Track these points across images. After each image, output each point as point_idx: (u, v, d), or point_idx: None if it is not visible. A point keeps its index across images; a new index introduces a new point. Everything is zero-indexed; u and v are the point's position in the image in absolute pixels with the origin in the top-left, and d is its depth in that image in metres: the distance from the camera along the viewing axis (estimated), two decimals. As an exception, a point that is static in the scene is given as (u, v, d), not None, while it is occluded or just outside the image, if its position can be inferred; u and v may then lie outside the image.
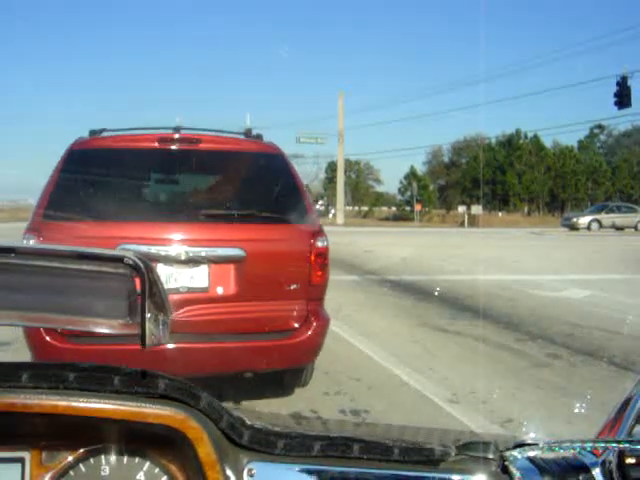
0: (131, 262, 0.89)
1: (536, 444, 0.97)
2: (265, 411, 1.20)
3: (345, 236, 27.37)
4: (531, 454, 0.98)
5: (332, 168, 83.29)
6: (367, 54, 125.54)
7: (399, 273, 13.46)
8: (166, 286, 4.06)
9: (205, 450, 0.91)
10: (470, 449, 0.97)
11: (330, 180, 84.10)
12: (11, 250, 0.90)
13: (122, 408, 0.90)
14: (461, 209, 64.95)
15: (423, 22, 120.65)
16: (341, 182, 51.95)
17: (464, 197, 75.00)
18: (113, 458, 1.00)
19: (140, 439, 0.98)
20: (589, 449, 0.99)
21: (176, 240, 4.39)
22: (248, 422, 0.97)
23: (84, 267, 0.91)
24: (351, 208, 77.11)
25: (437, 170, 79.75)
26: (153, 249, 4.32)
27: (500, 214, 65.18)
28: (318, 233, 4.69)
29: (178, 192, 5.41)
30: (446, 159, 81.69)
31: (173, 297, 4.26)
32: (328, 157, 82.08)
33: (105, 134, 4.95)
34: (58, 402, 0.90)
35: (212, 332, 4.43)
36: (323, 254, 4.66)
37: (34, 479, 0.98)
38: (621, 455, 0.96)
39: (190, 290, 4.38)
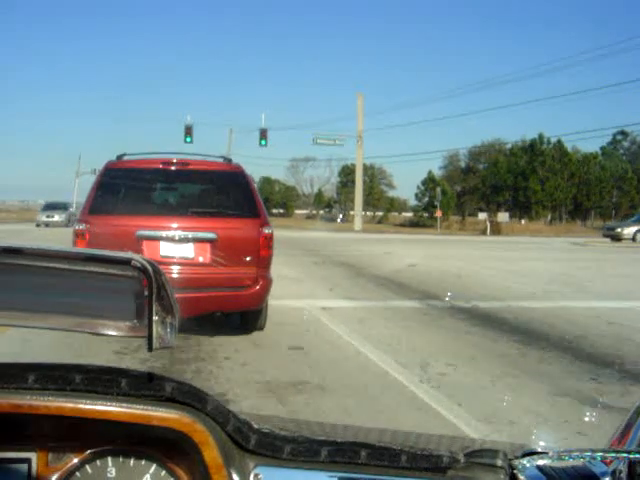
0: (139, 265, 0.89)
1: (546, 453, 0.95)
2: (272, 415, 1.16)
3: (374, 245, 24.66)
4: (540, 463, 0.96)
5: (346, 172, 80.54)
6: (381, 57, 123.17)
7: (466, 297, 10.78)
8: (166, 255, 6.52)
9: (211, 454, 0.90)
10: (478, 457, 0.95)
11: (344, 184, 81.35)
12: (19, 251, 0.90)
13: (128, 411, 0.89)
14: (481, 216, 62.15)
15: (438, 24, 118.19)
16: (360, 186, 49.23)
17: (482, 204, 72.40)
18: (119, 460, 0.98)
19: (147, 442, 0.97)
20: (599, 459, 0.95)
21: (173, 227, 6.61)
22: (255, 426, 0.96)
23: (92, 269, 0.91)
24: (364, 213, 74.36)
25: (454, 175, 76.87)
26: (158, 233, 6.58)
27: (523, 222, 62.29)
28: (265, 224, 6.80)
29: (175, 196, 7.61)
30: (462, 164, 78.98)
31: (171, 261, 6.53)
32: (341, 160, 79.71)
33: (126, 157, 7.17)
34: (64, 404, 0.89)
35: (196, 286, 6.45)
36: (268, 237, 6.72)
37: None
38: (631, 465, 0.94)
39: (181, 258, 6.60)
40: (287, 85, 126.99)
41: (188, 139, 39.84)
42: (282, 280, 12.27)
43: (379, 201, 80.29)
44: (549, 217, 67.95)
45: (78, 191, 64.43)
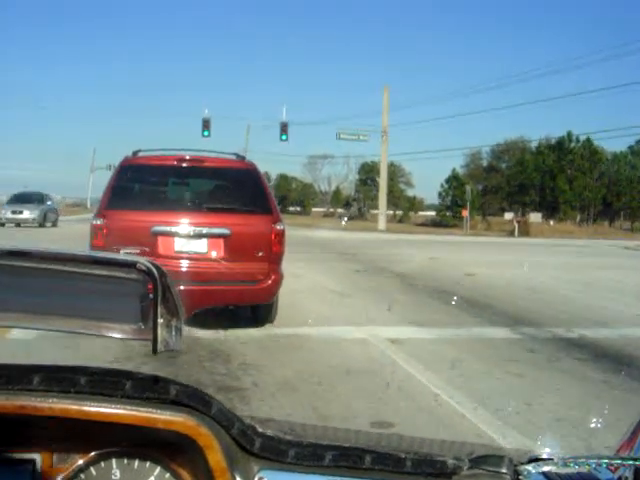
0: (144, 268, 0.89)
1: (551, 459, 0.93)
2: (277, 419, 1.07)
3: (409, 248, 22.31)
4: (545, 469, 0.93)
5: (366, 169, 78.15)
6: (398, 54, 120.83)
7: (560, 321, 8.53)
8: (180, 250, 6.80)
9: (215, 457, 0.89)
10: (483, 463, 0.92)
11: (363, 182, 78.97)
12: (25, 254, 0.89)
13: (133, 413, 0.88)
14: (507, 216, 59.69)
15: (459, 21, 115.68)
16: (384, 184, 46.86)
17: (505, 203, 70.06)
18: (124, 462, 0.97)
19: (151, 444, 0.95)
20: (605, 465, 0.93)
21: (187, 223, 6.84)
22: (260, 430, 0.94)
23: (98, 272, 0.90)
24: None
25: (476, 174, 74.42)
26: (173, 228, 6.79)
27: (552, 222, 59.71)
28: (277, 220, 7.07)
29: (189, 192, 7.94)
30: (484, 163, 76.65)
31: (184, 256, 6.78)
32: (359, 157, 77.70)
33: (141, 154, 7.50)
34: (69, 406, 0.87)
35: (209, 280, 6.71)
36: (280, 234, 6.98)
37: None
38: (637, 472, 0.90)
39: (195, 253, 6.83)
40: (303, 82, 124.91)
41: (206, 133, 37.75)
42: (326, 294, 10.02)
43: (399, 200, 77.91)
44: (578, 218, 65.25)
45: (93, 187, 62.46)
